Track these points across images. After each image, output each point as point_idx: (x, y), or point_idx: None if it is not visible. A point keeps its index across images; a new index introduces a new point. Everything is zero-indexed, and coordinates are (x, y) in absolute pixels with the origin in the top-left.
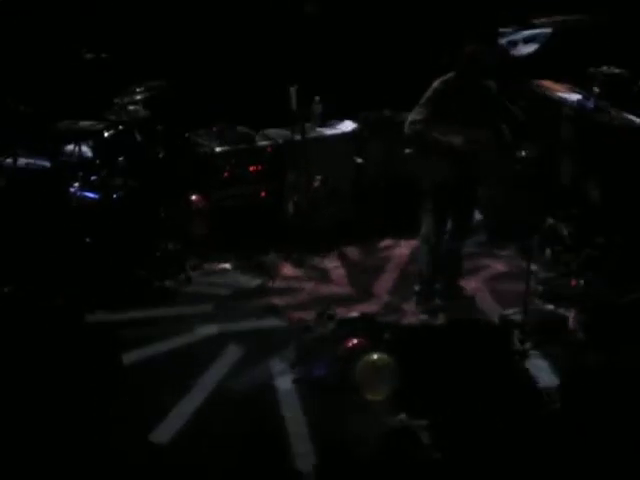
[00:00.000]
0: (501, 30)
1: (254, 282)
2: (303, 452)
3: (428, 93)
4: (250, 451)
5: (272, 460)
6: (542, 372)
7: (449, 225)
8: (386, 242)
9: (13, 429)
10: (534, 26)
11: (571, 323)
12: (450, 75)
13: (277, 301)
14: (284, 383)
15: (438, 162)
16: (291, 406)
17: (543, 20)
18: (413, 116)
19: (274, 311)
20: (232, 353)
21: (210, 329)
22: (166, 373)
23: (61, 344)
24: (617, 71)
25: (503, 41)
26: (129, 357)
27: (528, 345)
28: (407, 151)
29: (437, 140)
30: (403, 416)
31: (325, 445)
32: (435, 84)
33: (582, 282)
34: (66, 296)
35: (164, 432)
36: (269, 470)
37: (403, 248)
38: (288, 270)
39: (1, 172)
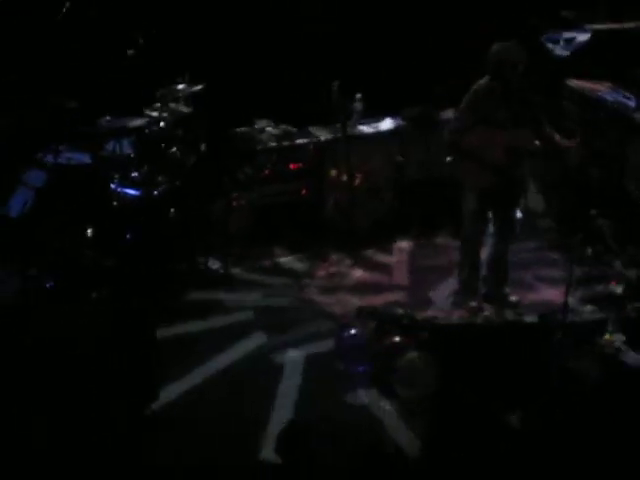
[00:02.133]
0: (541, 27)
1: (292, 282)
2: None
3: (467, 97)
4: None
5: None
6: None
7: (491, 227)
8: (425, 241)
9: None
10: (575, 27)
11: (610, 324)
12: (487, 78)
13: (315, 303)
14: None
15: (480, 169)
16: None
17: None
18: (452, 125)
19: (314, 312)
20: (293, 362)
21: (259, 339)
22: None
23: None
24: None
25: (544, 38)
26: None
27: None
28: (448, 159)
29: (475, 156)
30: None
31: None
32: (474, 88)
33: (623, 282)
34: (110, 292)
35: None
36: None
37: (441, 247)
38: (325, 270)
39: (43, 168)
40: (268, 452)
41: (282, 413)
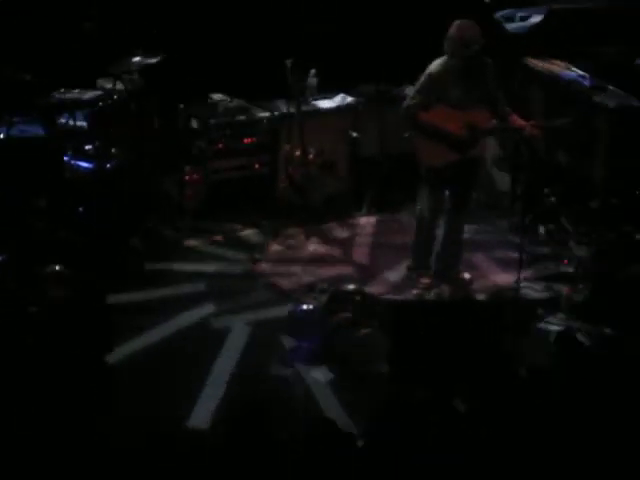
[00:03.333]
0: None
1: (246, 256)
2: None
3: (423, 78)
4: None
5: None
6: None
7: (446, 203)
8: (380, 217)
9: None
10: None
11: (564, 301)
12: (443, 58)
13: (269, 277)
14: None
15: (437, 146)
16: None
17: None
18: (409, 101)
19: (266, 286)
20: (237, 331)
21: (207, 309)
22: (178, 357)
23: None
24: (614, 50)
25: (498, 15)
26: (134, 342)
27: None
28: (406, 135)
29: (435, 128)
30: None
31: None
32: (429, 68)
33: (575, 260)
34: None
35: (201, 417)
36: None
37: (397, 223)
38: (280, 244)
39: None
40: (196, 421)
41: (216, 384)
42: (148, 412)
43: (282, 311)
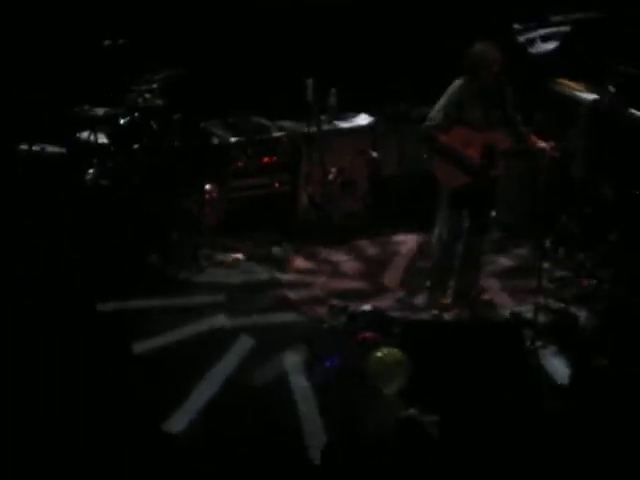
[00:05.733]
0: (516, 27)
1: (266, 274)
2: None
3: (442, 99)
4: (263, 443)
5: (285, 451)
6: (557, 369)
7: (465, 223)
8: (399, 237)
9: (24, 420)
10: (551, 24)
11: (582, 322)
12: (463, 79)
13: (288, 294)
14: (296, 376)
15: (455, 168)
16: (304, 398)
17: (559, 18)
18: (429, 122)
19: (285, 303)
20: (242, 345)
21: (221, 320)
22: (177, 364)
23: (72, 332)
24: (633, 71)
25: (521, 39)
26: (140, 346)
27: (539, 343)
28: (425, 156)
29: (454, 152)
30: (413, 410)
31: (336, 434)
32: (449, 89)
33: (594, 281)
34: (78, 283)
35: (179, 421)
36: (281, 461)
37: (417, 243)
38: (300, 263)
39: (17, 158)
40: (171, 424)
41: (204, 390)
42: (130, 414)
43: (297, 327)
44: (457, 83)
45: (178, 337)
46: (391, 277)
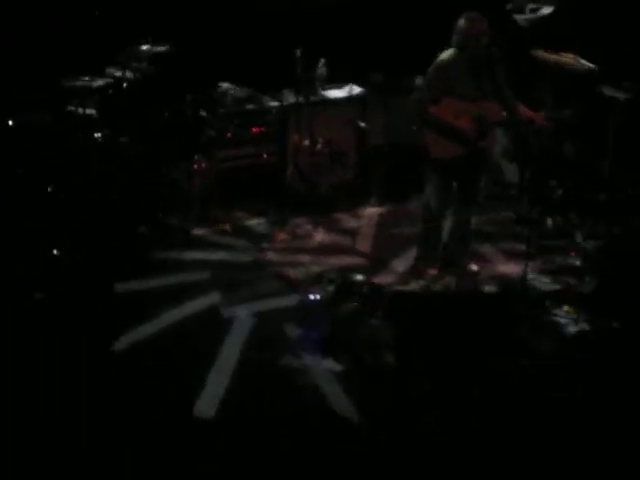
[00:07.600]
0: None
1: (252, 250)
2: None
3: (431, 70)
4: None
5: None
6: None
7: (455, 195)
8: (387, 207)
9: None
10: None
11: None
12: (452, 50)
13: (274, 265)
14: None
15: (446, 139)
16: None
17: None
18: (418, 94)
19: (272, 275)
20: (242, 320)
21: (213, 298)
22: (183, 345)
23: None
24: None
25: (508, 7)
26: (143, 330)
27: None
28: (415, 127)
29: (445, 123)
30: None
31: None
32: (437, 61)
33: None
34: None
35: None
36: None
37: (404, 214)
38: (286, 234)
39: (5, 128)
40: (201, 409)
41: (221, 372)
42: (153, 400)
43: (288, 300)
44: (445, 53)
45: (175, 318)
46: (380, 250)
